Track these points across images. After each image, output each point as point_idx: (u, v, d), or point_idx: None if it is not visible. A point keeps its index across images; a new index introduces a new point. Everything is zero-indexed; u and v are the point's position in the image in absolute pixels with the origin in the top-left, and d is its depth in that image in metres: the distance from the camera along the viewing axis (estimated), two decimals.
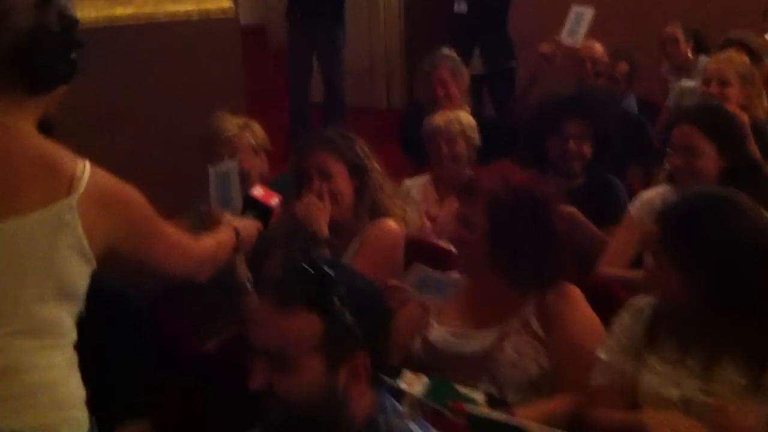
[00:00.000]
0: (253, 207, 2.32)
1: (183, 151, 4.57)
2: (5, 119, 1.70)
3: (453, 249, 2.96)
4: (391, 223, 2.71)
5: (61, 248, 1.70)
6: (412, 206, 3.33)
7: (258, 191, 2.36)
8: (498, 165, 2.38)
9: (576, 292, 2.23)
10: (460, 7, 5.68)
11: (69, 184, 1.69)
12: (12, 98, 1.71)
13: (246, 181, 2.79)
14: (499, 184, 2.25)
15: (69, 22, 1.73)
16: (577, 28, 3.84)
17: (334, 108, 6.17)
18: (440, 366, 2.21)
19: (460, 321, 2.31)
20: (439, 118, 3.51)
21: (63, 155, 1.74)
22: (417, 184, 3.57)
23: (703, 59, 5.23)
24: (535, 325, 2.20)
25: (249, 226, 2.27)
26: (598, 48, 4.66)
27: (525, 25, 5.92)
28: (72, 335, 1.80)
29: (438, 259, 2.82)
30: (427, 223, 3.40)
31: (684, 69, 5.26)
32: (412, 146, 4.12)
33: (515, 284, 2.23)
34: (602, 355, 2.05)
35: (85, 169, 1.73)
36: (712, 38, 5.36)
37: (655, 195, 2.90)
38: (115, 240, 1.79)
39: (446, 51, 4.20)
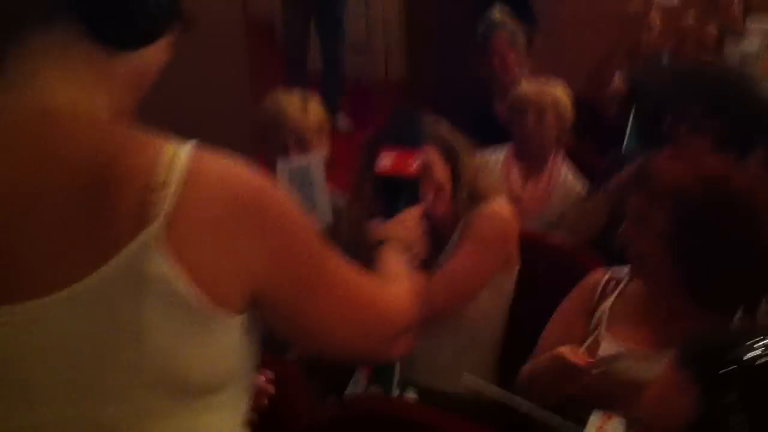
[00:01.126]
0: (393, 189, 1.50)
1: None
2: (48, 99, 0.95)
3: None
4: (502, 207, 2.23)
5: (154, 323, 0.93)
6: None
7: (387, 160, 1.50)
8: (684, 148, 1.86)
9: None
10: None
11: (144, 198, 0.91)
12: (73, 55, 0.95)
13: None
14: (686, 172, 1.75)
15: None
16: None
17: (333, 80, 5.68)
18: (615, 393, 1.72)
19: (641, 337, 1.83)
20: (529, 87, 3.01)
21: (135, 142, 0.95)
22: (495, 158, 3.07)
23: (752, 21, 4.77)
24: None
25: (409, 230, 1.44)
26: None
27: None
28: None
29: (556, 260, 2.33)
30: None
31: (732, 32, 4.78)
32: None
33: (707, 303, 1.74)
34: None
35: (178, 157, 0.94)
36: None
37: None
38: (252, 282, 0.99)
39: (498, 14, 3.66)
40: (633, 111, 3.07)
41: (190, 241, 0.92)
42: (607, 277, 1.97)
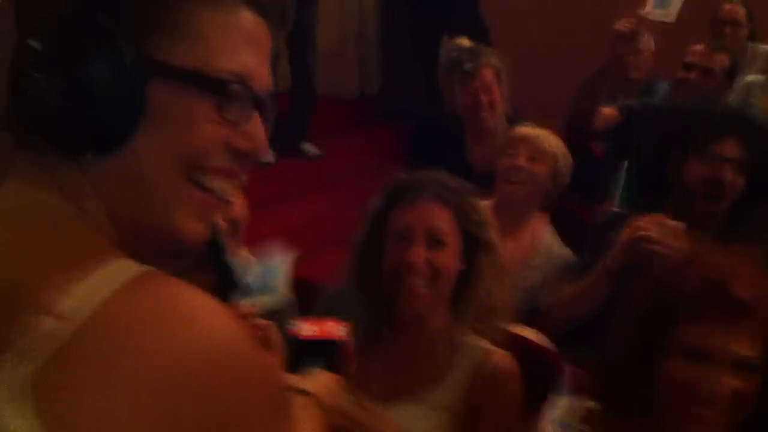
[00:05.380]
0: (312, 351, 1.43)
1: None
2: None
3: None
4: (512, 364, 1.76)
5: None
6: None
7: (308, 330, 1.44)
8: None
9: None
10: None
11: (28, 323, 0.66)
12: (38, 157, 0.79)
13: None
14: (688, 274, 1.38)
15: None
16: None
17: (305, 98, 5.26)
18: None
19: None
20: (526, 129, 2.68)
21: (66, 249, 0.73)
22: None
23: (756, 48, 4.41)
24: None
25: (325, 384, 1.34)
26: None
27: (498, 7, 5.22)
28: None
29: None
30: None
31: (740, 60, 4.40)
32: (426, 162, 3.27)
33: None
34: None
35: (108, 280, 0.69)
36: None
37: None
38: None
39: (487, 49, 3.37)
40: (627, 159, 2.69)
41: (67, 402, 0.63)
42: None
